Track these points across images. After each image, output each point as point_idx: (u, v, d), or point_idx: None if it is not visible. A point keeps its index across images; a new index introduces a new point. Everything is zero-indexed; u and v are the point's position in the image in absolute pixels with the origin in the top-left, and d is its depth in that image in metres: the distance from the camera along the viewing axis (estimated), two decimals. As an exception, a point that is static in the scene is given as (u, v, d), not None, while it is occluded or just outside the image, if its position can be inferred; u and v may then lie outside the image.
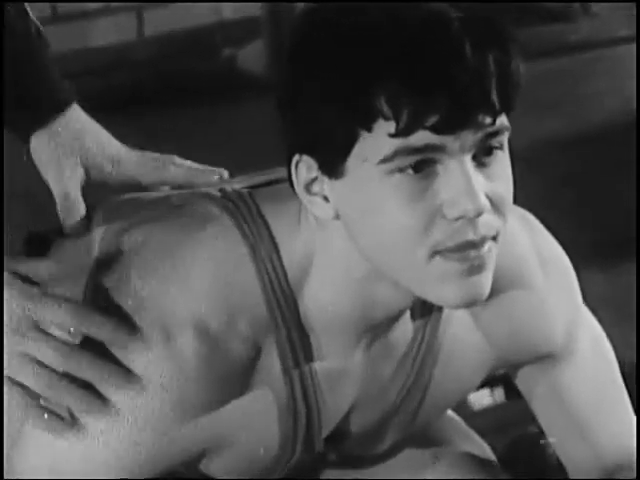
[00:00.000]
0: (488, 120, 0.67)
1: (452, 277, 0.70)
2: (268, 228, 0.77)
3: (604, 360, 0.95)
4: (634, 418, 0.97)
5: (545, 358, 0.91)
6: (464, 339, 0.87)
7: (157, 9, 3.79)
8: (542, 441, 1.89)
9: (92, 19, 3.72)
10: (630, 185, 2.96)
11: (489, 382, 2.01)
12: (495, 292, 0.76)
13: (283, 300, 0.76)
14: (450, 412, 1.10)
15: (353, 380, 0.83)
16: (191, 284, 0.75)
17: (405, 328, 0.83)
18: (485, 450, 1.11)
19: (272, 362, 0.78)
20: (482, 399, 2.09)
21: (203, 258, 0.76)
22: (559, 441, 0.98)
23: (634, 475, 0.97)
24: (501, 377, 1.60)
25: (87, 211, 0.87)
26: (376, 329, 0.80)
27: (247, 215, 0.77)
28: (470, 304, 0.73)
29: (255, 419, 0.80)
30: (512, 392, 1.92)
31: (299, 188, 0.73)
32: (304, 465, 0.90)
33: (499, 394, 2.11)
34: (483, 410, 2.06)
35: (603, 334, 0.96)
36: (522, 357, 0.91)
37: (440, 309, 0.82)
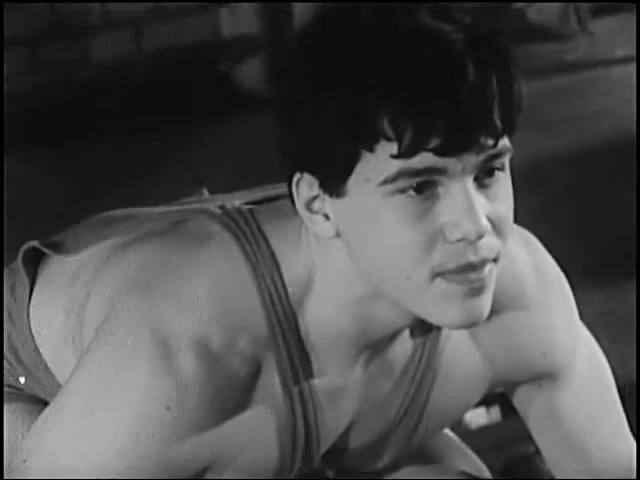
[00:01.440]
0: (490, 142, 0.67)
1: (453, 299, 0.70)
2: (269, 246, 0.76)
3: (602, 380, 0.95)
4: (631, 437, 0.97)
5: (543, 377, 0.90)
6: (463, 357, 0.87)
7: (156, 25, 3.80)
8: (538, 461, 1.89)
9: (91, 34, 3.73)
10: (628, 202, 2.96)
11: (485, 401, 2.00)
12: (494, 311, 0.76)
13: (284, 318, 0.76)
14: (447, 430, 1.09)
15: (352, 397, 0.82)
16: (191, 303, 0.75)
17: (404, 345, 0.83)
18: (481, 469, 1.11)
19: (272, 379, 0.78)
20: (479, 418, 2.09)
21: (204, 277, 0.76)
22: (555, 460, 0.97)
23: None
24: (497, 396, 1.61)
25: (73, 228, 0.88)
26: (375, 346, 0.80)
27: (248, 233, 0.77)
28: (470, 325, 0.73)
29: (255, 435, 0.79)
30: (508, 411, 1.92)
31: (300, 205, 0.72)
32: None
33: (495, 413, 2.10)
34: (480, 429, 2.06)
35: (601, 353, 0.95)
36: (520, 376, 0.91)
37: (439, 327, 0.81)
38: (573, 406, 0.92)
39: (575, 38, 4.16)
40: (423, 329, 0.82)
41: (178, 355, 0.73)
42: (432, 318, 0.73)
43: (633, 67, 3.65)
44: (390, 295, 0.73)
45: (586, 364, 0.93)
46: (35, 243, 0.88)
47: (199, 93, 3.64)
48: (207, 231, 0.79)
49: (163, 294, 0.76)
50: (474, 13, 0.70)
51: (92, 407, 0.74)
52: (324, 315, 0.77)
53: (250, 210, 0.80)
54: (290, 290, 0.76)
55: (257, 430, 0.79)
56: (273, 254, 0.76)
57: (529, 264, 0.87)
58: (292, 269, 0.76)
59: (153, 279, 0.77)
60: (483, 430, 2.04)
